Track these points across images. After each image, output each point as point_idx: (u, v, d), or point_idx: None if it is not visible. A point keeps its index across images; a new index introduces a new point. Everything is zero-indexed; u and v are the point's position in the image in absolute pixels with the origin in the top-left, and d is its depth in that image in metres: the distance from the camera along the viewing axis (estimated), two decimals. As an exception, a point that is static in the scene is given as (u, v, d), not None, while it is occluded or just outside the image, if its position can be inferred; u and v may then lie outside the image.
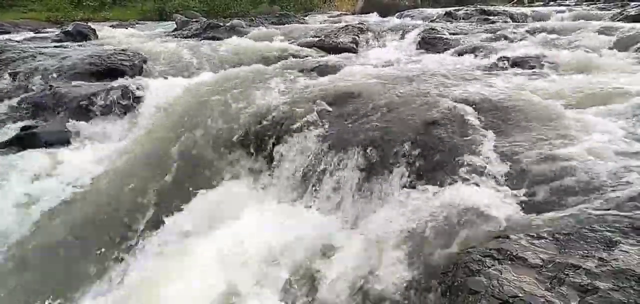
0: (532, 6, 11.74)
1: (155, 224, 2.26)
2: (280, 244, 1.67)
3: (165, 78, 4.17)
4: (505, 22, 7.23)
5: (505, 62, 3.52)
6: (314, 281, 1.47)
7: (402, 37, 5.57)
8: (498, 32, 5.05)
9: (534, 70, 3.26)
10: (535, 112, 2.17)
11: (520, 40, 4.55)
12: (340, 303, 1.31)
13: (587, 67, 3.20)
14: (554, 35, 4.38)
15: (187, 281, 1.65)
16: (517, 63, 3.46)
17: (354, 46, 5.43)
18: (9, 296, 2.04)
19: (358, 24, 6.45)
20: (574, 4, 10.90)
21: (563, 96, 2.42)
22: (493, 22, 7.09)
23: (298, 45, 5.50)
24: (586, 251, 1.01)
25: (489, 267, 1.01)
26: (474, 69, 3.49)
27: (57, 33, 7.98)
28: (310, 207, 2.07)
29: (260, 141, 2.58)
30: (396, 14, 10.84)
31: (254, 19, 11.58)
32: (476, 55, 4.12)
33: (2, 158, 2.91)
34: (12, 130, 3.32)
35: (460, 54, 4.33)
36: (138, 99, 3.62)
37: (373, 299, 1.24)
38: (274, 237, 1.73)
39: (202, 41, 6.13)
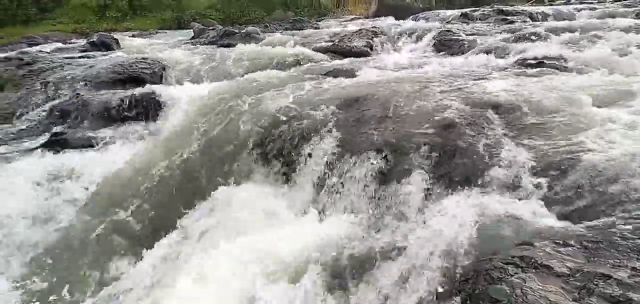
0: (552, 5, 11.32)
1: (172, 226, 2.33)
2: (296, 252, 1.67)
3: (184, 85, 4.31)
4: (524, 21, 7.02)
5: (525, 62, 3.41)
6: (332, 291, 1.45)
7: (417, 39, 5.51)
8: (517, 33, 4.90)
9: (555, 70, 3.14)
10: (559, 114, 2.08)
11: (541, 40, 4.40)
12: None
13: (613, 67, 3.05)
14: (576, 35, 4.21)
15: (202, 284, 1.67)
16: (537, 63, 3.34)
17: (368, 50, 5.41)
18: (33, 278, 2.15)
19: (372, 27, 6.43)
20: (597, 1, 10.42)
21: (589, 96, 2.32)
22: (511, 22, 6.90)
23: (312, 50, 5.54)
24: (618, 261, 0.96)
25: (512, 275, 0.97)
26: (492, 70, 3.40)
27: (83, 44, 8.41)
28: (327, 213, 2.06)
29: (276, 146, 2.60)
30: (411, 17, 10.73)
31: (268, 25, 11.77)
32: (494, 56, 4.01)
33: (36, 161, 3.09)
34: (44, 135, 3.53)
35: (477, 55, 4.24)
36: (158, 106, 3.76)
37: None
38: (289, 244, 1.74)
39: (219, 48, 6.28)
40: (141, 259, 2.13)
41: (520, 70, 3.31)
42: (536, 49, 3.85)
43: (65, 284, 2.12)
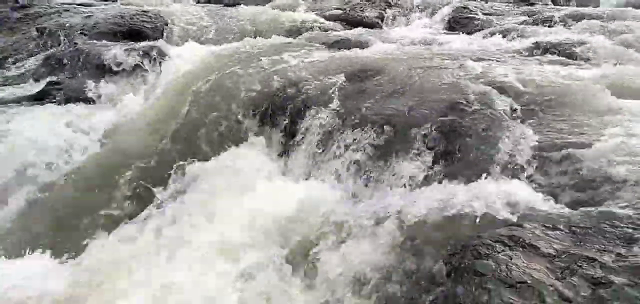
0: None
1: (169, 183, 2.34)
2: (290, 217, 1.69)
3: (186, 43, 4.18)
4: (546, 4, 6.70)
5: (541, 47, 3.30)
6: (318, 255, 1.48)
7: (431, 14, 5.29)
8: (536, 16, 4.69)
9: (570, 57, 3.04)
10: (567, 102, 2.04)
11: (560, 25, 4.22)
12: (344, 282, 1.33)
13: (629, 59, 2.94)
14: (599, 23, 4.01)
15: (199, 243, 1.71)
16: (553, 49, 3.23)
17: (379, 21, 5.22)
18: (25, 230, 2.21)
19: (387, -4, 6.12)
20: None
21: (600, 87, 2.25)
22: (532, 4, 6.58)
23: (321, 16, 5.33)
24: (603, 246, 0.97)
25: (499, 252, 0.99)
26: (506, 52, 3.29)
27: (83, -9, 8.07)
28: (323, 181, 2.07)
29: (277, 113, 2.58)
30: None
31: (277, -13, 11.20)
32: (510, 39, 3.87)
33: (29, 110, 3.05)
34: (39, 84, 3.46)
35: (491, 36, 4.09)
36: (158, 62, 3.66)
37: (378, 277, 1.26)
38: (284, 208, 1.76)
39: (224, 8, 6.04)
40: (136, 215, 2.16)
41: (534, 55, 3.20)
42: (554, 35, 3.69)
43: (59, 241, 2.16)
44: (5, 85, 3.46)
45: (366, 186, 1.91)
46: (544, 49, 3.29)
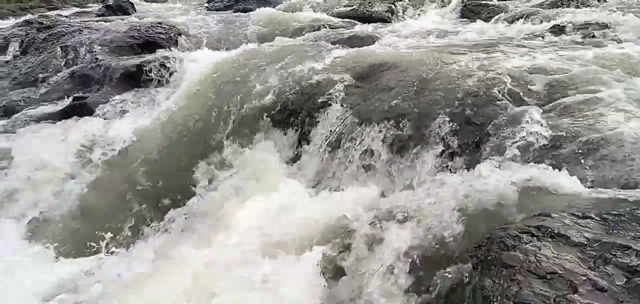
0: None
1: (190, 188, 2.43)
2: (309, 218, 1.70)
3: (199, 51, 4.29)
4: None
5: (562, 30, 3.18)
6: (345, 254, 1.48)
7: (443, 4, 5.20)
8: (556, -4, 4.50)
9: (595, 38, 2.91)
10: (589, 86, 1.96)
11: (582, 5, 4.04)
12: (370, 274, 1.33)
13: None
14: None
15: (218, 245, 1.75)
16: (575, 31, 3.10)
17: (390, 15, 5.18)
18: (63, 236, 2.33)
19: (396, -11, 6.05)
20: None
21: (625, 68, 2.15)
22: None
23: (330, 15, 5.34)
24: (638, 233, 0.93)
25: (527, 243, 0.97)
26: (523, 38, 3.19)
27: (99, 8, 8.41)
28: (340, 180, 2.08)
29: (290, 114, 2.61)
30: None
31: (285, -12, 11.23)
32: (526, 23, 3.75)
33: (59, 125, 3.22)
34: (66, 99, 3.64)
35: (508, 22, 3.98)
36: (174, 71, 3.78)
37: (403, 270, 1.26)
38: (303, 210, 1.77)
39: (234, 13, 6.15)
40: (157, 222, 2.25)
41: (553, 38, 3.09)
42: (575, 16, 3.55)
43: (87, 242, 2.28)
44: (37, 102, 3.67)
45: (387, 181, 1.90)
46: (563, 31, 3.17)
